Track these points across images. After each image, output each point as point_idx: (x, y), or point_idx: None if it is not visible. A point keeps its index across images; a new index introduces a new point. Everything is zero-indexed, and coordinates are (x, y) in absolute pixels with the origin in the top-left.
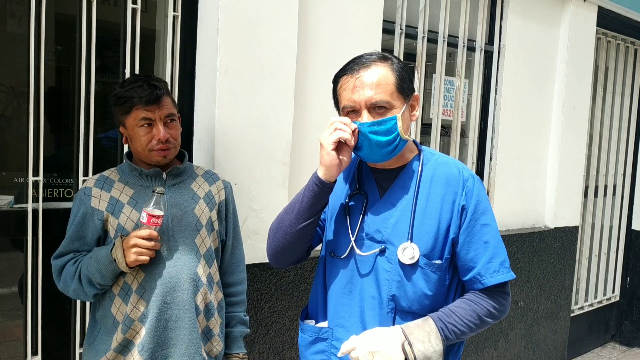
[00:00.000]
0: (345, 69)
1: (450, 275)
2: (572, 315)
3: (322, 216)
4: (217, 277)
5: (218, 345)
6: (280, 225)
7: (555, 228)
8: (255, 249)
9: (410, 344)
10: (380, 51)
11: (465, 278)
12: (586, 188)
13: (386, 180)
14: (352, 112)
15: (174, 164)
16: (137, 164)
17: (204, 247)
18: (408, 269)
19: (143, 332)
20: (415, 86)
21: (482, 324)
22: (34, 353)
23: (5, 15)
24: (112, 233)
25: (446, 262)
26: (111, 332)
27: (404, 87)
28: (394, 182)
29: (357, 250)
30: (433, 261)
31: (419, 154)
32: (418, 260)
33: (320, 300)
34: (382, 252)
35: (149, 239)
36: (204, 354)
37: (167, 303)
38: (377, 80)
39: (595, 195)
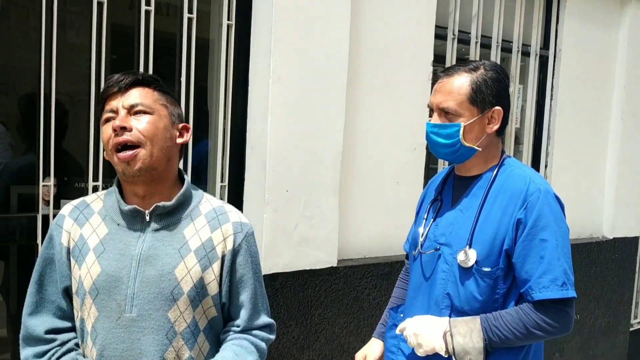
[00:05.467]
0: (438, 73)
1: (506, 285)
2: (631, 329)
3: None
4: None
5: None
6: None
7: (614, 238)
8: (306, 255)
9: (451, 335)
10: (489, 61)
11: (521, 290)
12: None
13: (462, 187)
14: (432, 111)
15: (164, 199)
16: (124, 189)
17: (182, 323)
18: (462, 272)
19: None
20: None
21: (530, 335)
22: None
23: (66, 27)
24: (74, 286)
25: (499, 271)
26: None
27: (478, 99)
28: (466, 191)
29: (421, 250)
30: (483, 269)
31: (498, 165)
32: (472, 266)
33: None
34: (440, 252)
35: None
36: None
37: None
38: (450, 89)
39: None
